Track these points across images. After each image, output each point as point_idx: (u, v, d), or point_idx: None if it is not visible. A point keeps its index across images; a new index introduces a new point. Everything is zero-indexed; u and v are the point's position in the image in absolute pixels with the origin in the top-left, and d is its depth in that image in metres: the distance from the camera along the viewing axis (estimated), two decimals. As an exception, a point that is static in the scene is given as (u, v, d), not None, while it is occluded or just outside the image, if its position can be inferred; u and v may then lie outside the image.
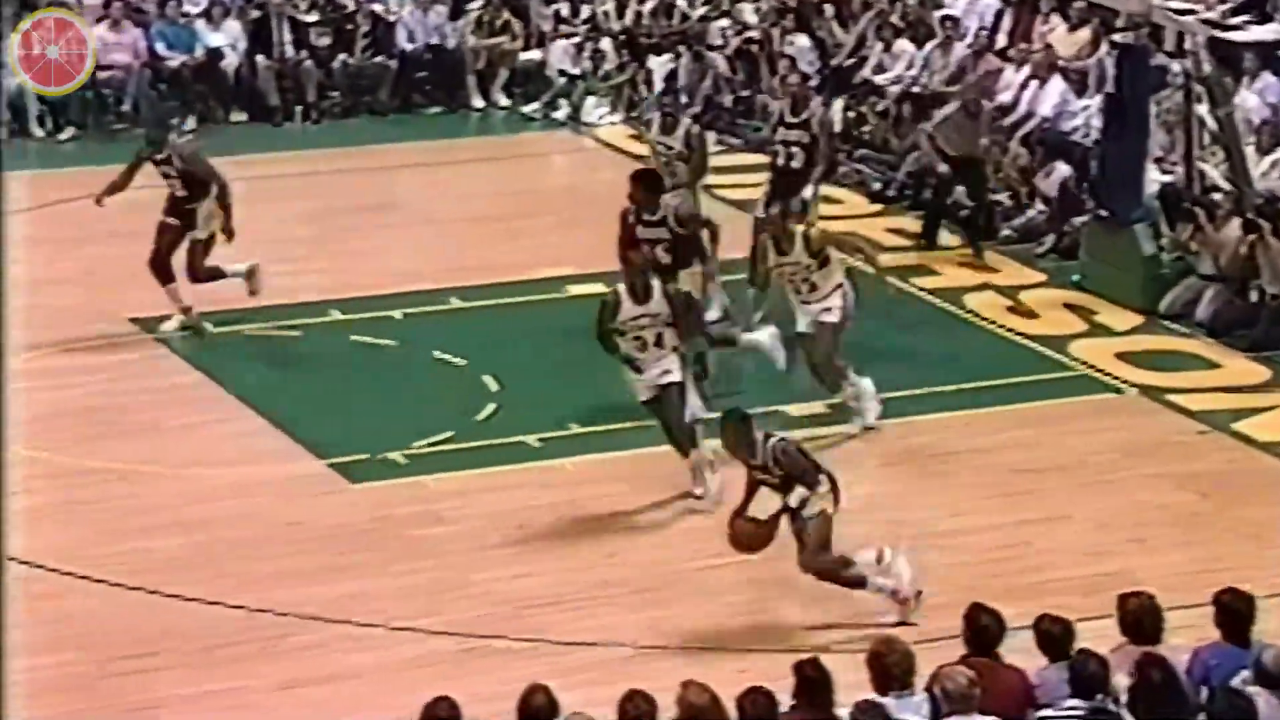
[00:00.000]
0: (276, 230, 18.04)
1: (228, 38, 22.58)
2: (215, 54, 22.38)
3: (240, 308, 15.68)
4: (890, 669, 8.19)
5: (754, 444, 10.90)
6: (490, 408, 13.87)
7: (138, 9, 22.48)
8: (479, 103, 22.85)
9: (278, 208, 18.81)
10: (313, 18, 22.98)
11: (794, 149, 15.41)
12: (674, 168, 15.24)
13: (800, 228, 13.31)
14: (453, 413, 13.60)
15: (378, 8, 23.06)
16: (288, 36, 22.69)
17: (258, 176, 19.71)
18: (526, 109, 22.62)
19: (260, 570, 11.62)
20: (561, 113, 22.35)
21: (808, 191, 15.48)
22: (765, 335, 13.63)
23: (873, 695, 8.11)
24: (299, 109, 22.39)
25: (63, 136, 21.47)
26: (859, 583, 10.80)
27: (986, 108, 17.71)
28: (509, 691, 8.33)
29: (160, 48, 22.18)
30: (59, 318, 14.98)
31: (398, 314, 15.73)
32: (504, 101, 22.93)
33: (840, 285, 13.26)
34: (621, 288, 12.35)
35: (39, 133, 21.41)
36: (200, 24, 22.67)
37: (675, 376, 12.26)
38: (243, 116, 22.23)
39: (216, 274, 15.37)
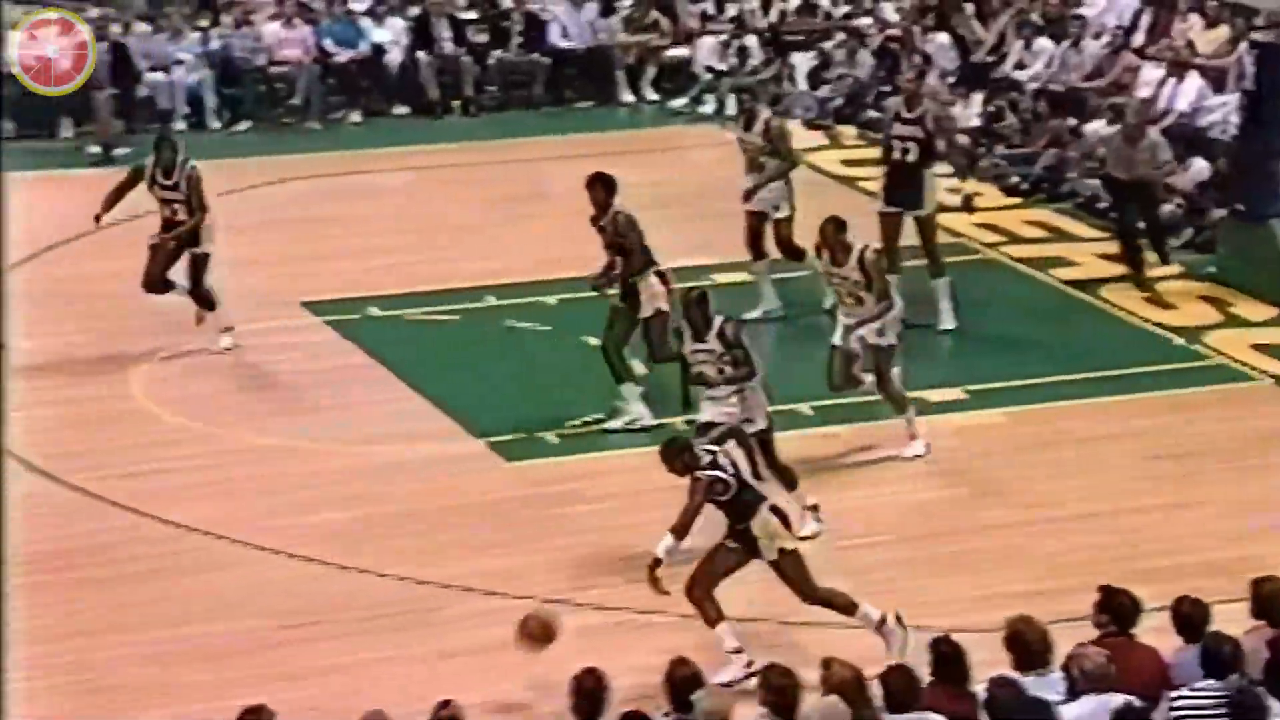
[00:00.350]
0: (435, 219, 18.18)
1: (391, 34, 22.77)
2: (379, 50, 22.58)
3: (402, 293, 15.80)
4: (1029, 647, 8.12)
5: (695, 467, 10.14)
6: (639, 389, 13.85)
7: (307, 7, 22.70)
8: (628, 97, 22.89)
9: (436, 197, 18.95)
10: (471, 15, 23.14)
11: (908, 144, 15.28)
12: (760, 162, 15.22)
13: (859, 245, 12.82)
14: (603, 395, 13.61)
15: (533, 6, 23.15)
16: (447, 33, 22.82)
17: (418, 167, 19.89)
18: (673, 104, 22.61)
19: (420, 544, 11.70)
20: (707, 107, 22.33)
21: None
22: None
23: (1008, 672, 8.04)
24: (457, 103, 22.51)
25: (238, 128, 21.74)
26: (851, 609, 10.23)
27: (1150, 134, 16.87)
28: (656, 664, 8.36)
29: (328, 44, 22.38)
30: (235, 300, 15.13)
31: (551, 300, 15.77)
32: (652, 96, 22.94)
33: (890, 305, 12.76)
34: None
35: (215, 125, 21.69)
36: (366, 21, 22.88)
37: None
38: (404, 109, 22.38)
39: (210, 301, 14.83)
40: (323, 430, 13.34)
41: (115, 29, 21.56)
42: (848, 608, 10.18)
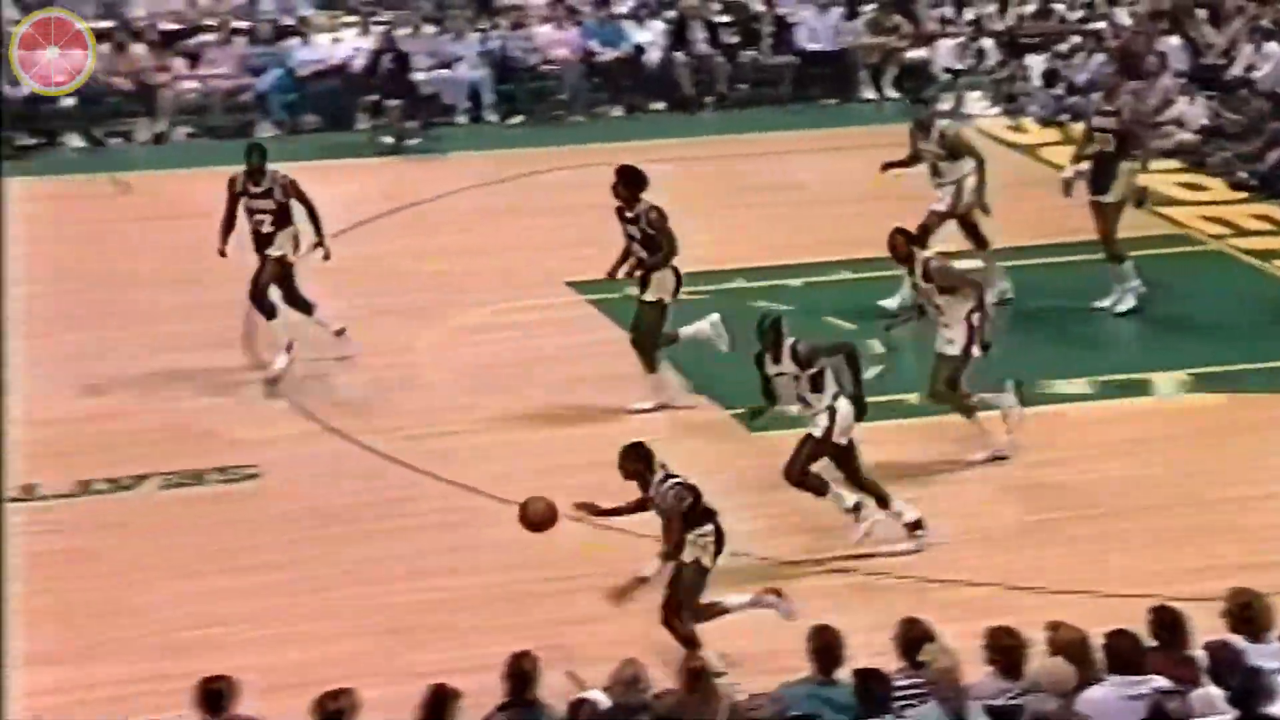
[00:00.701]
0: (688, 206, 18.20)
1: (651, 36, 22.90)
2: (639, 50, 22.72)
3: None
4: (1252, 618, 7.92)
5: (647, 476, 9.76)
6: (876, 369, 13.79)
7: (575, 10, 22.95)
8: (870, 95, 22.73)
9: (689, 186, 18.98)
10: (725, 19, 23.19)
11: (1107, 135, 15.00)
12: (939, 167, 15.02)
13: (924, 254, 12.34)
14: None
15: (782, 10, 23.13)
16: (702, 35, 22.89)
17: (673, 158, 19.94)
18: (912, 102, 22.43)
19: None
20: (945, 105, 22.10)
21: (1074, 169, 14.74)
22: (706, 324, 13.15)
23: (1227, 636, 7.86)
24: (710, 99, 22.56)
25: (512, 121, 22.03)
26: (722, 612, 9.82)
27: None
28: (887, 622, 8.32)
29: (594, 44, 22.60)
30: (504, 279, 15.35)
31: (796, 282, 15.74)
32: (892, 94, 22.76)
33: (968, 316, 12.16)
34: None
35: (492, 118, 22.03)
36: (628, 24, 23.04)
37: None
38: (661, 105, 22.50)
39: (272, 310, 13.81)
40: (584, 399, 13.46)
41: (401, 32, 22.04)
42: (694, 643, 9.55)
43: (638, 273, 13.16)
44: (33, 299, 13.96)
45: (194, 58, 21.86)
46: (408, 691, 7.90)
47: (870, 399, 11.31)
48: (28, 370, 12.82)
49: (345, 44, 22.17)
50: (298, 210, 13.66)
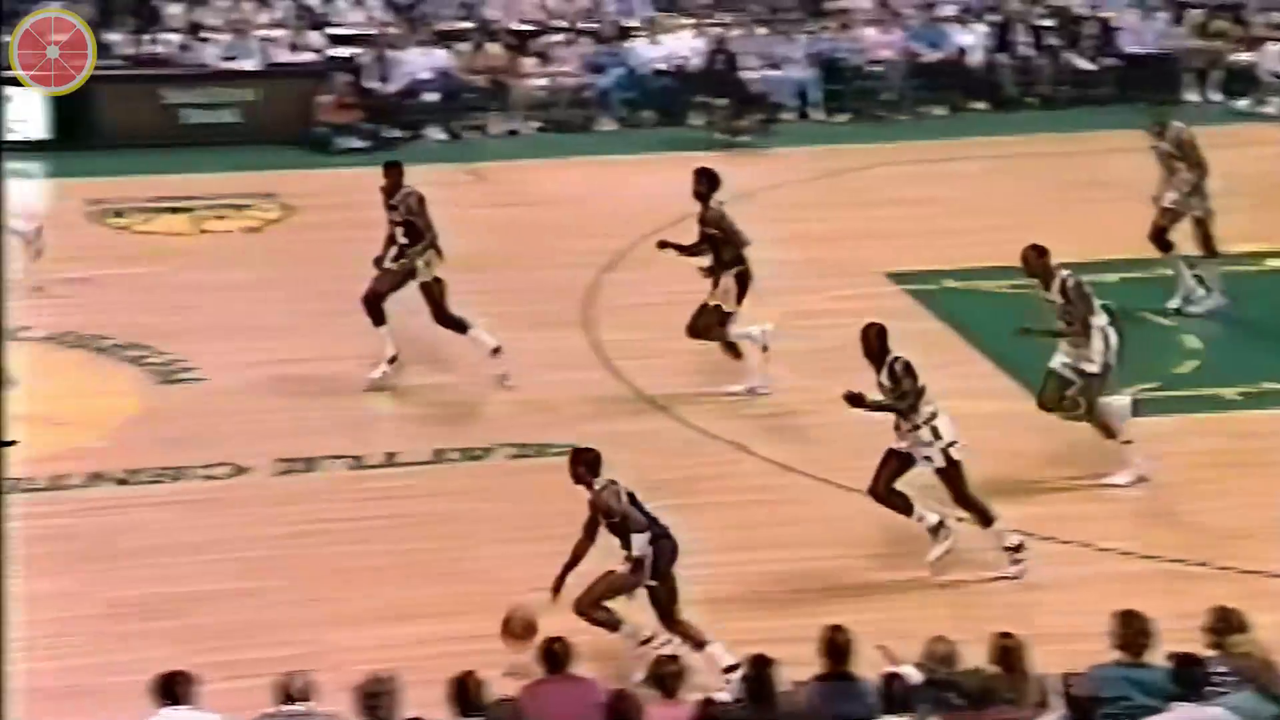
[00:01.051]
0: (1007, 202, 17.86)
1: (974, 38, 22.51)
2: (962, 51, 22.36)
3: (975, 267, 15.59)
4: None
5: (592, 483, 9.44)
6: (1192, 363, 13.33)
7: (899, 13, 22.72)
8: (1193, 98, 21.95)
9: (1008, 183, 18.63)
10: (1048, 22, 22.66)
11: None
12: (1173, 167, 14.46)
13: (1064, 272, 11.66)
14: (1159, 365, 13.11)
15: (1105, 14, 22.50)
16: (1025, 38, 22.41)
17: (993, 156, 19.62)
18: (1237, 104, 21.61)
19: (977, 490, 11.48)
20: (1271, 108, 21.27)
21: None
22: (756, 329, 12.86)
23: None
24: (1032, 99, 22.08)
25: (838, 119, 21.92)
26: (615, 627, 9.40)
27: None
28: (1196, 610, 8.00)
29: (917, 46, 22.31)
30: (824, 270, 15.25)
31: (1114, 278, 15.27)
32: (1216, 98, 21.94)
33: (1101, 329, 11.60)
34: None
35: (819, 116, 21.96)
36: (951, 26, 22.69)
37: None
38: (983, 105, 22.11)
39: (460, 324, 13.30)
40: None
41: (734, 34, 22.14)
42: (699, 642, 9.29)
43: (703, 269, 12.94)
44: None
45: (543, 56, 22.26)
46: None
47: (1187, 392, 10.91)
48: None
49: (682, 44, 22.33)
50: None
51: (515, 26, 22.61)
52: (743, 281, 12.94)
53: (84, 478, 11.78)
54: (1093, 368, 11.60)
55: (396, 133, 20.79)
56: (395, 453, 12.31)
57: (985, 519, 10.45)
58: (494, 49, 22.07)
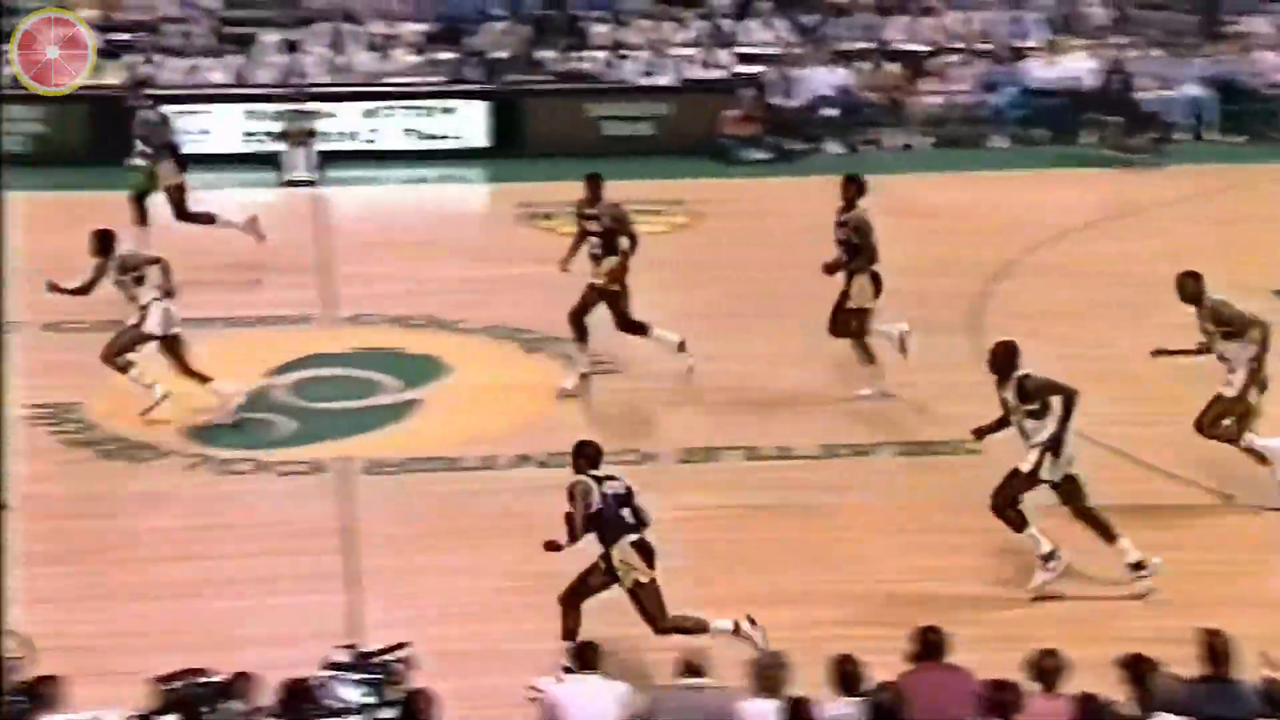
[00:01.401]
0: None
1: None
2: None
3: None
4: None
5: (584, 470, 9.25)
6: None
7: None
8: None
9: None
10: None
11: None
12: None
13: (1215, 297, 11.21)
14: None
15: None
16: None
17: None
18: None
19: None
20: None
21: None
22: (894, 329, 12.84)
23: None
24: None
25: (1234, 139, 20.99)
26: (703, 628, 9.14)
27: None
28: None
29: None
30: (1213, 285, 14.54)
31: None
32: None
33: (1252, 359, 11.00)
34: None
35: (1213, 136, 21.23)
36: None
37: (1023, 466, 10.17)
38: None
39: (641, 328, 13.18)
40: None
41: (1130, 55, 21.59)
42: (699, 628, 9.03)
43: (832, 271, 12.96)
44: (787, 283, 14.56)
45: (939, 75, 22.10)
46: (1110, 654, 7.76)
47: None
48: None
49: (1076, 64, 21.86)
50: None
51: (913, 48, 22.51)
52: (877, 282, 12.93)
53: (510, 459, 12.22)
54: (1231, 391, 11.30)
55: (797, 145, 20.95)
56: (789, 446, 12.42)
57: (1108, 536, 10.16)
58: (892, 68, 22.02)
